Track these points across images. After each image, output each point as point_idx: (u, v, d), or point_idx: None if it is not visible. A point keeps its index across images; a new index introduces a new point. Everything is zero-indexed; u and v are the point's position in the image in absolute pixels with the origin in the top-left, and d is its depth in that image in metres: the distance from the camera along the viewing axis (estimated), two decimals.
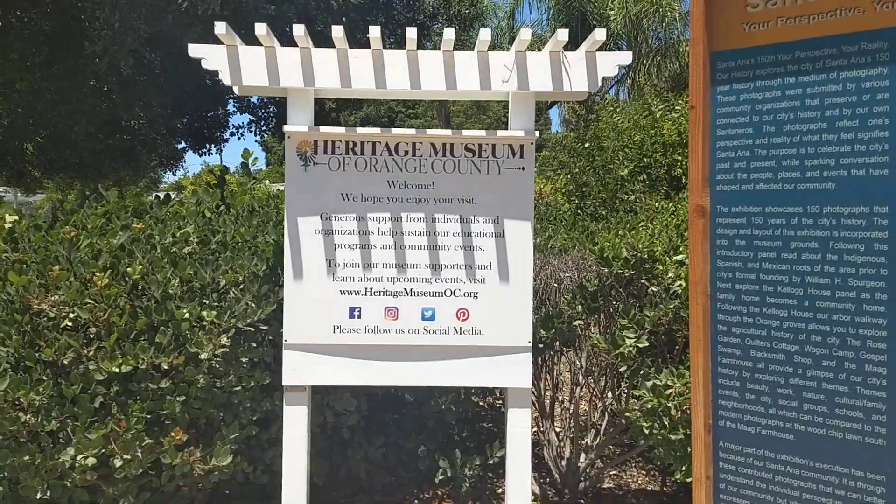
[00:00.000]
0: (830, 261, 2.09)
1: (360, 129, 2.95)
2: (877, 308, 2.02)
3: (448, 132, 2.96)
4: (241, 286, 3.13)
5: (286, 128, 2.90)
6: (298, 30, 2.74)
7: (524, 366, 2.96)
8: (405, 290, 2.94)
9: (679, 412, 2.92)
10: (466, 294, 2.94)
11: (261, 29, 2.73)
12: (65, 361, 2.88)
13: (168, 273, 3.07)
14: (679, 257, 3.26)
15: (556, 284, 4.03)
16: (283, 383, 2.94)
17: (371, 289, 2.93)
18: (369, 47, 2.85)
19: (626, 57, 2.95)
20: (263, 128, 15.34)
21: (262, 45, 2.83)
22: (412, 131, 2.96)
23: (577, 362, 3.81)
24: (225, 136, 15.71)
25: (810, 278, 2.13)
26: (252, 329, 3.07)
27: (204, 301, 3.09)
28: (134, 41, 8.53)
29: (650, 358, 3.21)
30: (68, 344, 2.87)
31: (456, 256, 2.94)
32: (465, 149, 2.94)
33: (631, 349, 3.15)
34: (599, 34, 2.76)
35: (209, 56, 2.83)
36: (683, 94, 8.42)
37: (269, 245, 3.36)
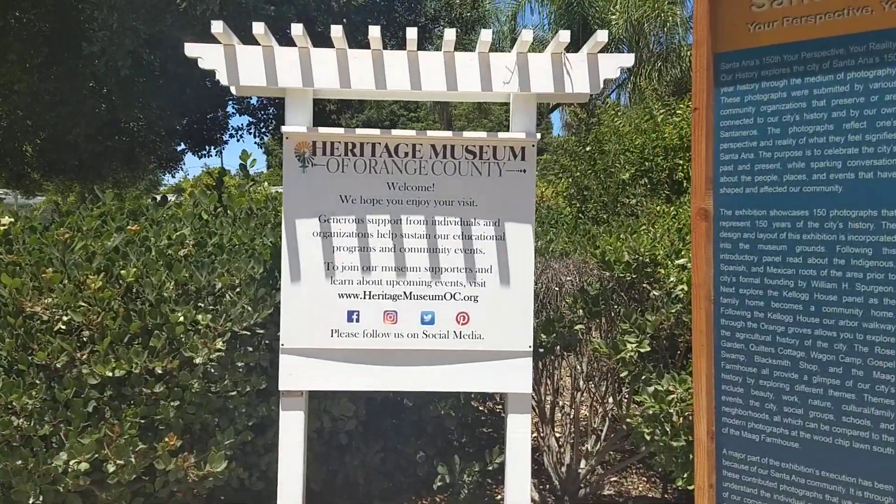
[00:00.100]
0: (837, 265, 2.05)
1: (359, 130, 2.92)
2: (885, 314, 1.98)
3: (448, 133, 2.93)
4: (238, 289, 3.10)
5: (284, 128, 2.87)
6: (297, 29, 2.71)
7: (524, 371, 2.93)
8: (404, 293, 2.90)
9: (681, 418, 2.89)
10: (466, 298, 2.91)
11: (258, 28, 2.70)
12: (58, 365, 2.84)
13: (163, 276, 3.03)
14: (681, 261, 3.23)
15: (557, 288, 3.99)
16: (280, 388, 2.90)
17: (370, 292, 2.89)
18: (369, 48, 2.81)
19: (627, 59, 2.92)
20: (263, 130, 15.33)
21: (259, 44, 2.80)
22: (412, 132, 2.92)
23: (578, 367, 3.77)
24: (224, 139, 15.70)
25: (816, 283, 2.09)
26: (248, 333, 3.04)
27: (199, 304, 3.04)
28: (132, 42, 8.51)
29: (652, 363, 3.17)
30: (61, 347, 2.83)
31: (456, 259, 2.90)
32: (466, 150, 2.91)
33: (632, 354, 3.12)
34: (602, 35, 2.73)
35: (206, 55, 2.80)
36: (685, 97, 8.41)
37: (266, 248, 3.32)
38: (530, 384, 2.96)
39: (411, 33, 2.79)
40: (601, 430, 3.76)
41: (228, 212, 3.93)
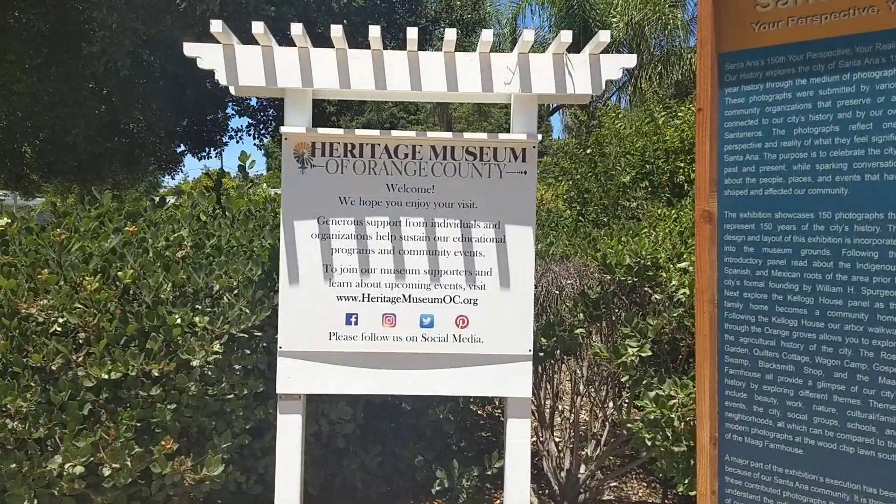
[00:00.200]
0: (843, 269, 2.02)
1: (358, 131, 2.89)
2: (891, 318, 1.95)
3: (449, 135, 2.90)
4: (236, 291, 3.07)
5: (283, 129, 2.85)
6: (296, 29, 2.68)
7: (524, 375, 2.89)
8: (403, 296, 2.87)
9: (682, 423, 2.86)
10: (466, 301, 2.88)
11: (258, 27, 2.67)
12: (53, 367, 2.81)
13: (160, 277, 3.00)
14: (683, 265, 3.21)
15: (557, 291, 3.96)
16: (277, 391, 2.87)
17: (368, 295, 2.86)
18: (369, 48, 2.79)
19: (630, 59, 2.90)
20: (262, 132, 15.30)
21: (259, 44, 2.77)
22: (412, 133, 2.89)
23: (578, 371, 3.74)
24: (224, 140, 15.67)
25: (821, 287, 2.06)
26: (246, 335, 3.01)
27: (197, 306, 3.02)
28: (132, 42, 8.49)
29: (653, 367, 3.15)
30: (57, 349, 2.80)
31: (456, 262, 2.87)
32: (466, 152, 2.88)
33: (633, 358, 3.09)
34: (604, 35, 2.71)
35: (205, 55, 2.77)
36: (686, 100, 8.39)
37: (264, 249, 3.29)
38: (530, 388, 2.92)
39: (412, 33, 2.76)
40: (601, 435, 3.73)
41: (227, 213, 3.91)
